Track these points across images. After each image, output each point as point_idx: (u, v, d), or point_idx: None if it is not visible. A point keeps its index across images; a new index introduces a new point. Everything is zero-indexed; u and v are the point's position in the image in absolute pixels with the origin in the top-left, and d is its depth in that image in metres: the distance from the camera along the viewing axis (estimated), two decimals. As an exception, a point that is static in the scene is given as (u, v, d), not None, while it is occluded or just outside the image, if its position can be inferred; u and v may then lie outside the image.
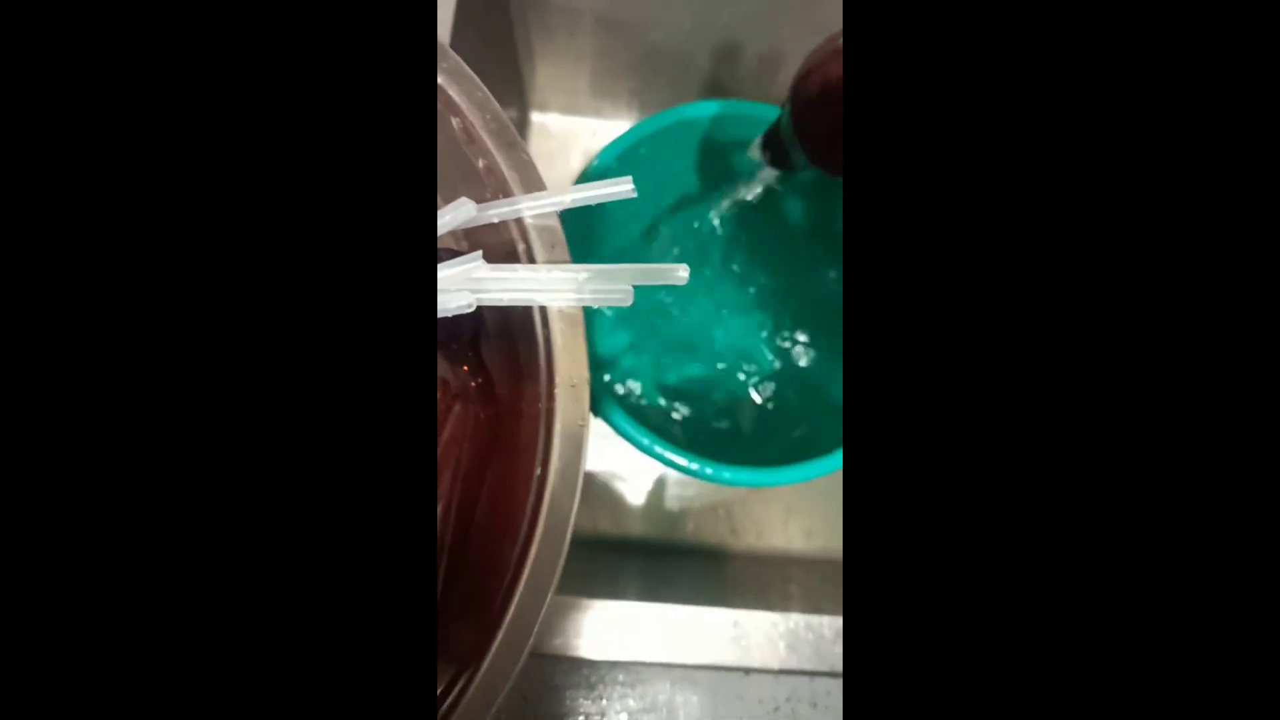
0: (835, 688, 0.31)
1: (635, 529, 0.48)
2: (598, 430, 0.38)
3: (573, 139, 0.54)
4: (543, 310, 0.22)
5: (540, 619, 0.21)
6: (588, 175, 0.38)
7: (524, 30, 0.47)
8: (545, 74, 0.51)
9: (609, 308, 0.47)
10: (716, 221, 0.47)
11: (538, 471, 0.21)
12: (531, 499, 0.21)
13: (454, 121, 0.22)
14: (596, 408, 0.34)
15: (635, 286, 0.21)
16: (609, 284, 0.21)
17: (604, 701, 0.30)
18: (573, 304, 0.21)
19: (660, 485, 0.49)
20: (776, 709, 0.31)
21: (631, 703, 0.30)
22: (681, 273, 0.21)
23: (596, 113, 0.54)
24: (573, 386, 0.21)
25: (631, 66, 0.50)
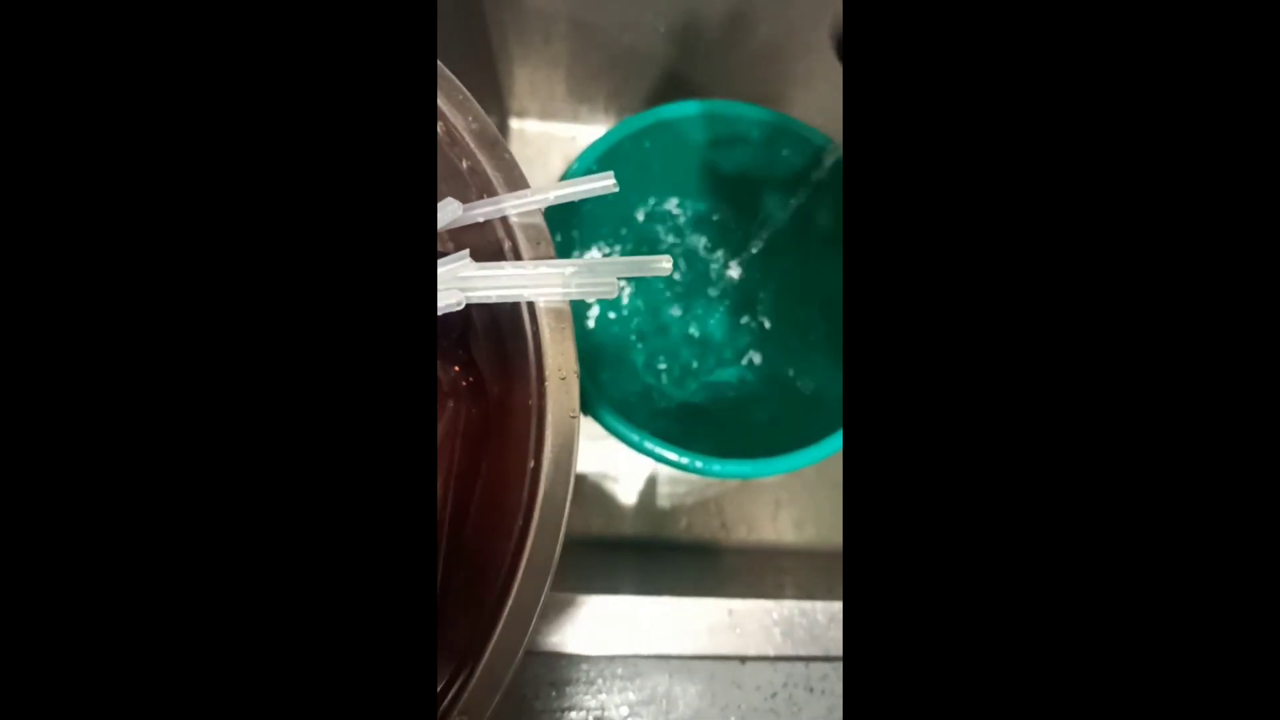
0: (831, 671, 0.31)
1: (628, 528, 0.49)
2: (589, 431, 0.38)
3: (551, 144, 0.55)
4: (530, 306, 0.22)
5: (538, 612, 0.21)
6: (568, 178, 0.39)
7: (500, 37, 0.47)
8: (522, 80, 0.51)
9: (598, 311, 0.47)
10: (698, 219, 0.48)
11: (531, 465, 0.21)
12: (525, 492, 0.22)
13: (437, 125, 0.23)
14: (587, 408, 0.35)
15: (623, 284, 0.21)
16: (594, 277, 0.21)
17: (603, 696, 0.31)
18: (559, 298, 0.22)
19: (651, 484, 0.49)
20: (774, 695, 0.31)
21: (631, 695, 0.31)
22: (664, 264, 0.22)
23: (574, 117, 0.55)
24: (562, 379, 0.21)
25: (607, 70, 0.51)
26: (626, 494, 0.49)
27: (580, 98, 0.53)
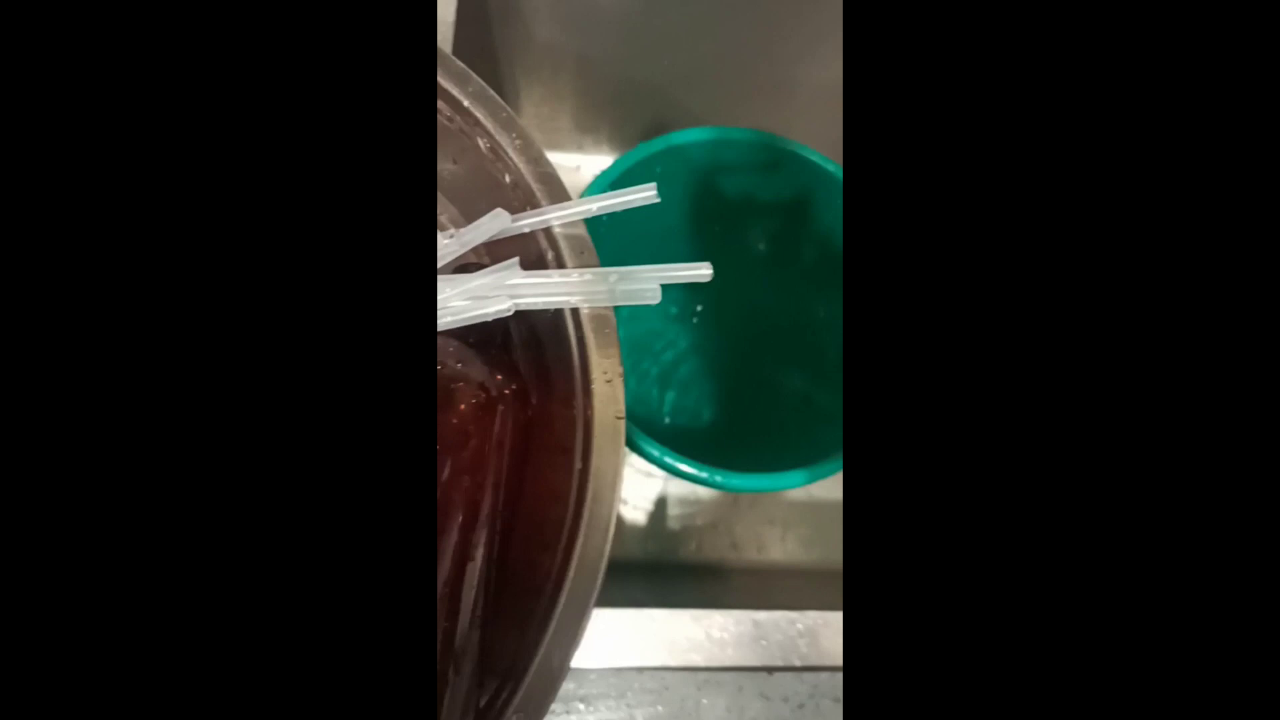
0: (857, 681, 0.32)
1: (638, 551, 0.49)
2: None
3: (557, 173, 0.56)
4: (574, 313, 0.23)
5: (585, 627, 0.21)
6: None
7: (509, 69, 0.49)
8: (529, 111, 0.53)
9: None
10: (710, 239, 0.49)
11: (579, 466, 0.22)
12: (574, 497, 0.22)
13: (481, 141, 0.24)
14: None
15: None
16: (638, 284, 0.22)
17: (631, 709, 0.31)
18: (605, 304, 0.22)
19: (661, 505, 0.50)
20: (801, 705, 0.31)
21: (660, 708, 0.31)
22: (705, 270, 0.23)
23: (578, 148, 0.56)
24: (608, 383, 0.22)
25: (611, 102, 0.52)
26: (636, 516, 0.49)
27: (584, 129, 0.55)
